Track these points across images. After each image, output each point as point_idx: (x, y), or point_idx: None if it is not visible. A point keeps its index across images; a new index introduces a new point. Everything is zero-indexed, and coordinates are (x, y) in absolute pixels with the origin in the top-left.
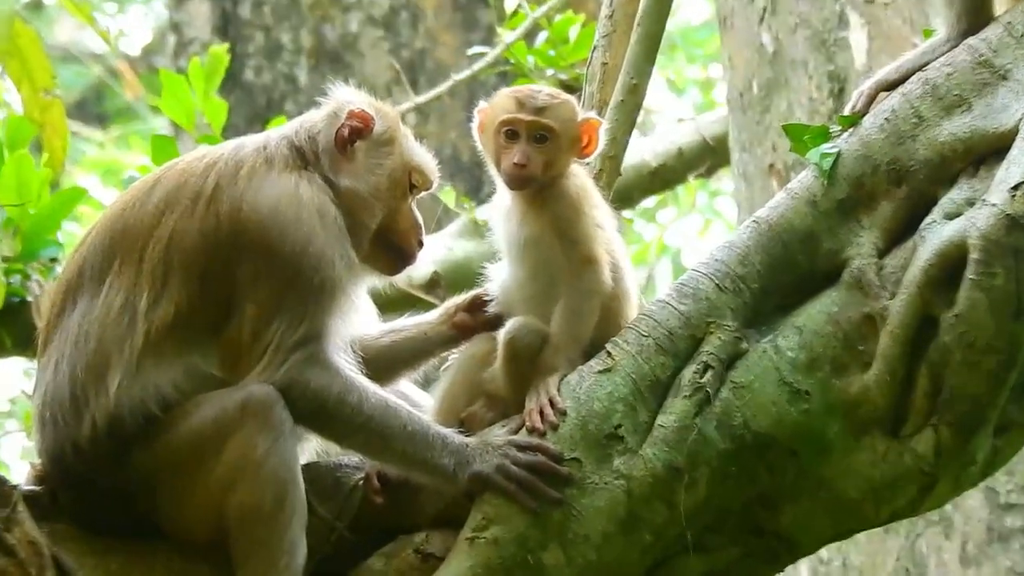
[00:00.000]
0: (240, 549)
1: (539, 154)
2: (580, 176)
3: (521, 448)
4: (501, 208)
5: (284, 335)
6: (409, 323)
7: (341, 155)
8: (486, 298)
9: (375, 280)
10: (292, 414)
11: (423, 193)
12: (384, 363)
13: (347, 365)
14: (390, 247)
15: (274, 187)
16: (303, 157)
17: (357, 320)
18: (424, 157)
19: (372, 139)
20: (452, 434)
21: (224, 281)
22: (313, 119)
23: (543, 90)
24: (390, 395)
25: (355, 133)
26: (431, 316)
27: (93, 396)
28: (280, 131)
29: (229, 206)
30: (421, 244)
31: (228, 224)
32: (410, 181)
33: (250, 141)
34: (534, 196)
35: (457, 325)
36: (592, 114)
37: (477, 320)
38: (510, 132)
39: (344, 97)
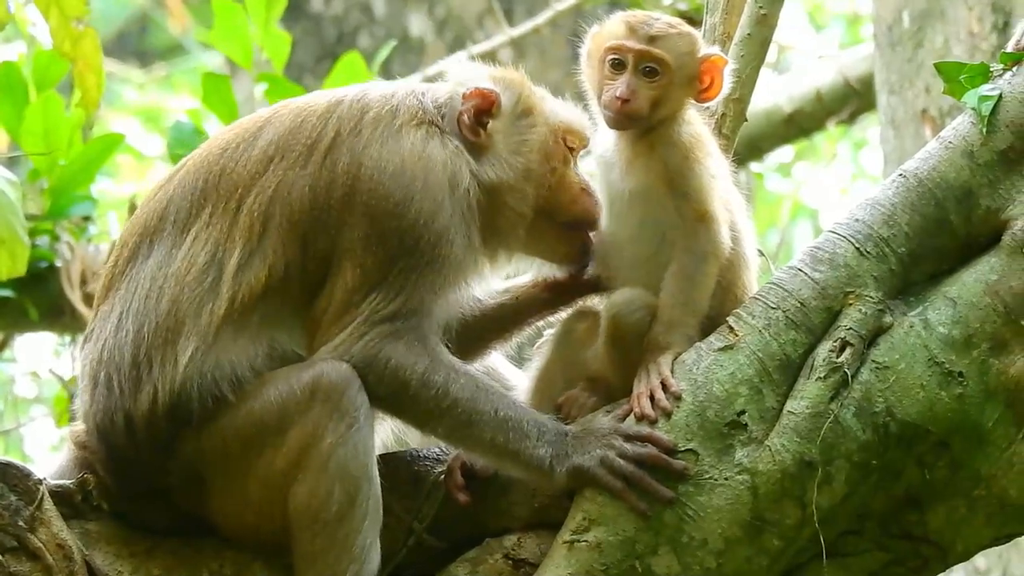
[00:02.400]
0: (303, 553)
1: (647, 89)
2: (695, 122)
3: (629, 438)
4: (603, 155)
5: (377, 306)
6: (498, 288)
7: (476, 141)
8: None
9: (549, 271)
10: (370, 394)
11: (582, 151)
12: (472, 334)
13: (438, 345)
14: (564, 223)
15: (402, 143)
16: (435, 122)
17: (459, 307)
18: (572, 113)
19: (505, 115)
20: (549, 421)
21: (328, 245)
22: (437, 92)
23: (661, 18)
24: (481, 376)
25: (480, 114)
26: (522, 279)
27: (158, 364)
28: (409, 86)
29: (349, 160)
30: (598, 205)
31: (345, 179)
32: (567, 145)
33: (375, 87)
34: (641, 141)
35: (552, 287)
36: (716, 50)
37: (575, 281)
38: (616, 61)
39: (458, 77)
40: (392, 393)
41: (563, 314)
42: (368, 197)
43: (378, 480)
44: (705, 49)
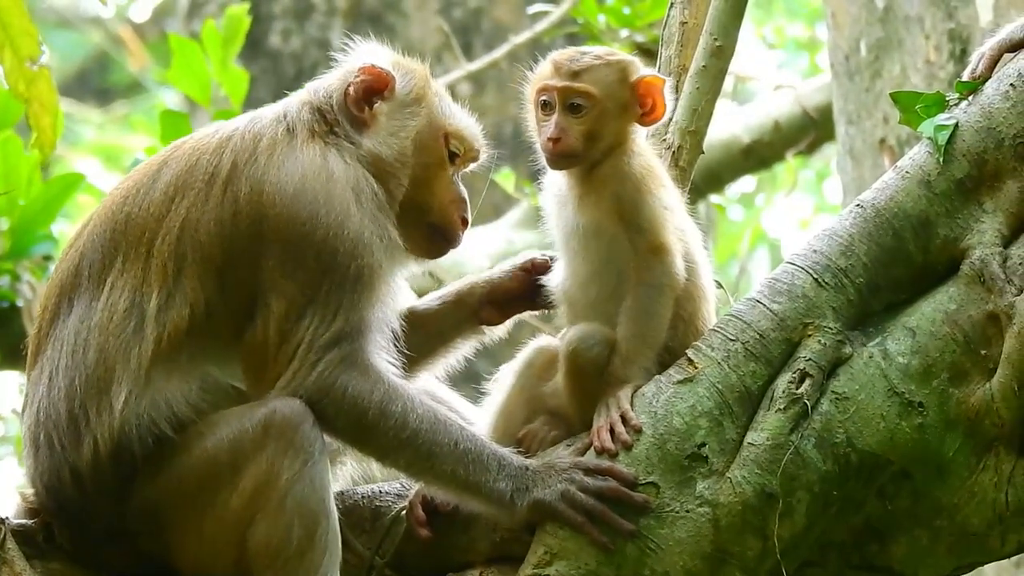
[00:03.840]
0: None
1: (576, 125)
2: (646, 153)
3: (589, 472)
4: (554, 193)
5: (316, 332)
6: (430, 297)
7: (359, 116)
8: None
9: (412, 266)
10: (326, 426)
11: (471, 165)
12: (431, 333)
13: (390, 368)
14: (427, 225)
15: (299, 162)
16: (327, 122)
17: (397, 311)
18: (463, 120)
19: (396, 100)
20: (509, 454)
21: (246, 276)
22: (330, 80)
23: (591, 52)
24: (439, 406)
25: (370, 92)
26: (500, 271)
27: (95, 414)
28: (298, 96)
29: (249, 188)
30: (465, 222)
31: (249, 209)
32: (448, 148)
33: (268, 111)
34: (591, 176)
35: (490, 299)
36: (650, 71)
37: (517, 292)
38: (544, 102)
39: (362, 53)
40: (349, 423)
41: (522, 349)
42: (275, 222)
43: (336, 514)
44: (640, 72)
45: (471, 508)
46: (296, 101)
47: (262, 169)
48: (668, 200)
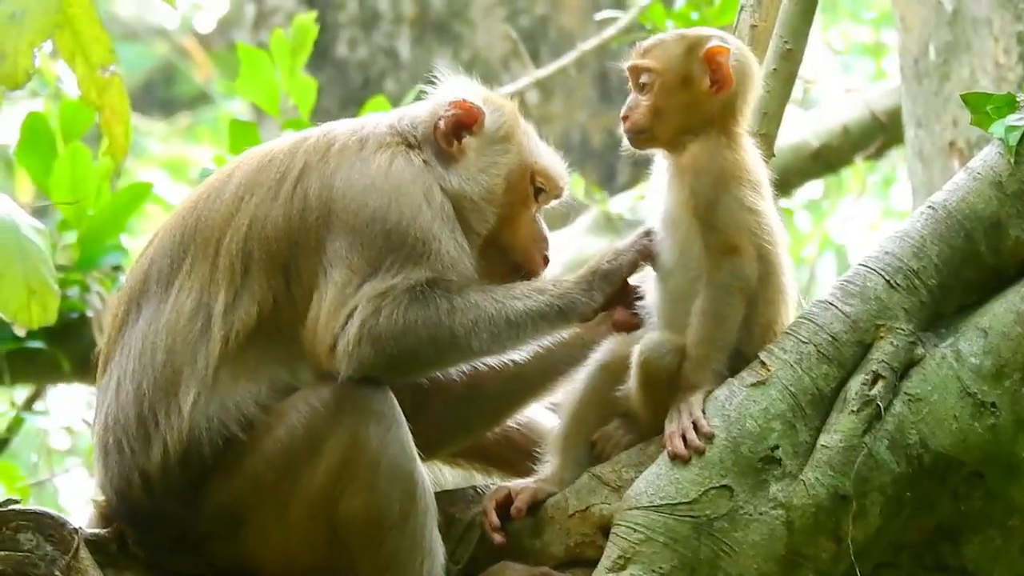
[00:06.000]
0: (372, 564)
1: (644, 100)
2: (741, 149)
3: None
4: (657, 177)
5: (377, 287)
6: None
7: (447, 150)
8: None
9: None
10: (411, 361)
11: (553, 202)
12: (536, 380)
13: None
14: (510, 263)
15: (369, 166)
16: (407, 143)
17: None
18: (550, 158)
19: (484, 135)
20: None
21: (312, 266)
22: (417, 111)
23: (679, 32)
24: (492, 294)
25: (459, 126)
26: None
27: (164, 417)
28: (378, 116)
29: (319, 184)
30: (546, 261)
31: (318, 204)
32: (534, 185)
33: (343, 123)
34: (676, 164)
35: (618, 325)
36: (717, 41)
37: (639, 318)
38: (628, 86)
39: (453, 86)
40: (431, 345)
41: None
42: (345, 214)
43: (427, 474)
44: (712, 43)
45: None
46: (376, 119)
47: (332, 168)
48: (752, 201)
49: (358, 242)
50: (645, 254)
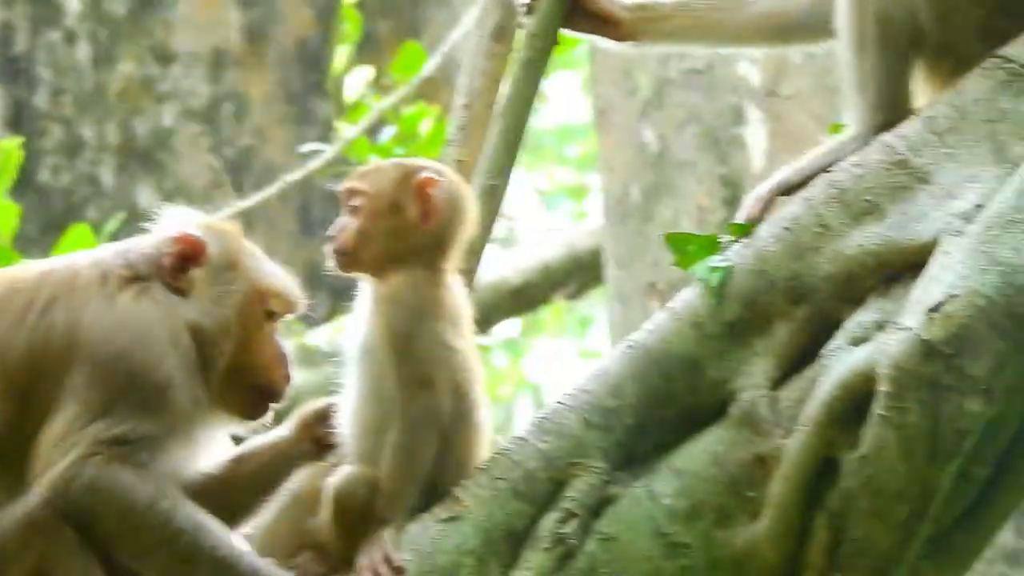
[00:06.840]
0: None
1: (352, 222)
2: (442, 285)
3: None
4: (361, 310)
5: (103, 431)
6: (258, 445)
7: (177, 286)
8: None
9: (233, 427)
10: (92, 521)
11: (288, 316)
12: (238, 496)
13: (167, 477)
14: (249, 386)
15: (115, 301)
16: (144, 277)
17: (189, 467)
18: (279, 278)
19: (211, 266)
20: (266, 565)
21: (51, 395)
22: (143, 245)
23: (392, 160)
24: (204, 513)
25: (185, 260)
26: (284, 432)
27: None
28: (113, 250)
29: (66, 316)
30: (288, 379)
31: (64, 333)
32: (265, 308)
33: (81, 255)
34: (376, 293)
35: (319, 440)
36: (438, 175)
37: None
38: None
39: (172, 219)
40: (118, 516)
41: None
42: (89, 347)
43: None
44: (425, 175)
45: None
46: (112, 252)
47: (79, 302)
48: (449, 337)
49: (99, 378)
50: None
